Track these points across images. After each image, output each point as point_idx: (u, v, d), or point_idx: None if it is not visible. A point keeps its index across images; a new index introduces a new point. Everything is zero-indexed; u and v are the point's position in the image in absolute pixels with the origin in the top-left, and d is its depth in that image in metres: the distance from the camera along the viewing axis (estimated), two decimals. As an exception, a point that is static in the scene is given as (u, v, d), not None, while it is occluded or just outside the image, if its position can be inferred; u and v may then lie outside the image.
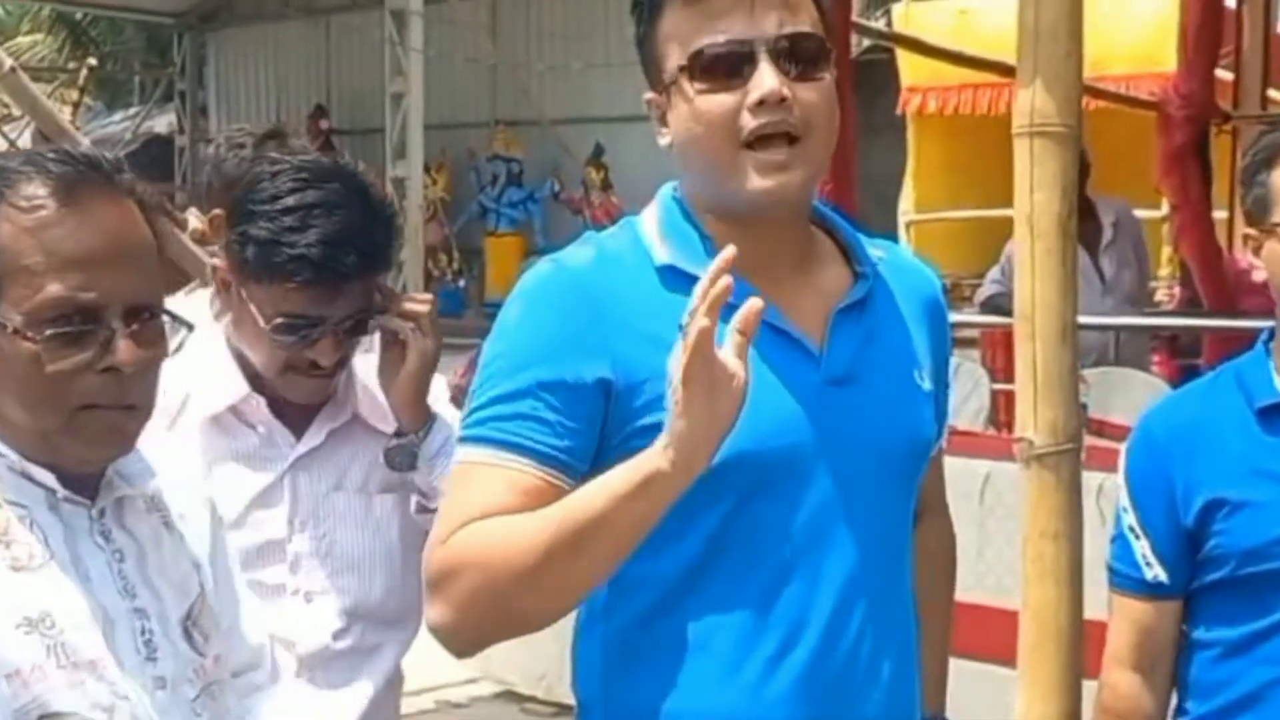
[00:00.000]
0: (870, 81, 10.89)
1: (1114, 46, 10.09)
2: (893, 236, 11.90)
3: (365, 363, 2.59)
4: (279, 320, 2.42)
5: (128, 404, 1.79)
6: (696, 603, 1.97)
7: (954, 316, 6.27)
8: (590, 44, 19.13)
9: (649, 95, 2.05)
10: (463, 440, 1.96)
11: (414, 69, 16.92)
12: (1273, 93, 7.75)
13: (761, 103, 1.91)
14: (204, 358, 2.52)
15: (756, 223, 1.99)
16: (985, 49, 7.16)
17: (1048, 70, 2.49)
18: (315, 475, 2.56)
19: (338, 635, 2.55)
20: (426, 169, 18.15)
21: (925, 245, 12.19)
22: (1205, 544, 2.44)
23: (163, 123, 24.44)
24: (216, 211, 3.09)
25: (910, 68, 11.43)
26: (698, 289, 1.72)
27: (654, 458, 1.76)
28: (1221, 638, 2.45)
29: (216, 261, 2.57)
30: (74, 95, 18.01)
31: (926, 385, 2.10)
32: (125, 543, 1.83)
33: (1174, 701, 2.56)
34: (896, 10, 12.33)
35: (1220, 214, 6.72)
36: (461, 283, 20.19)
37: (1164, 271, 9.75)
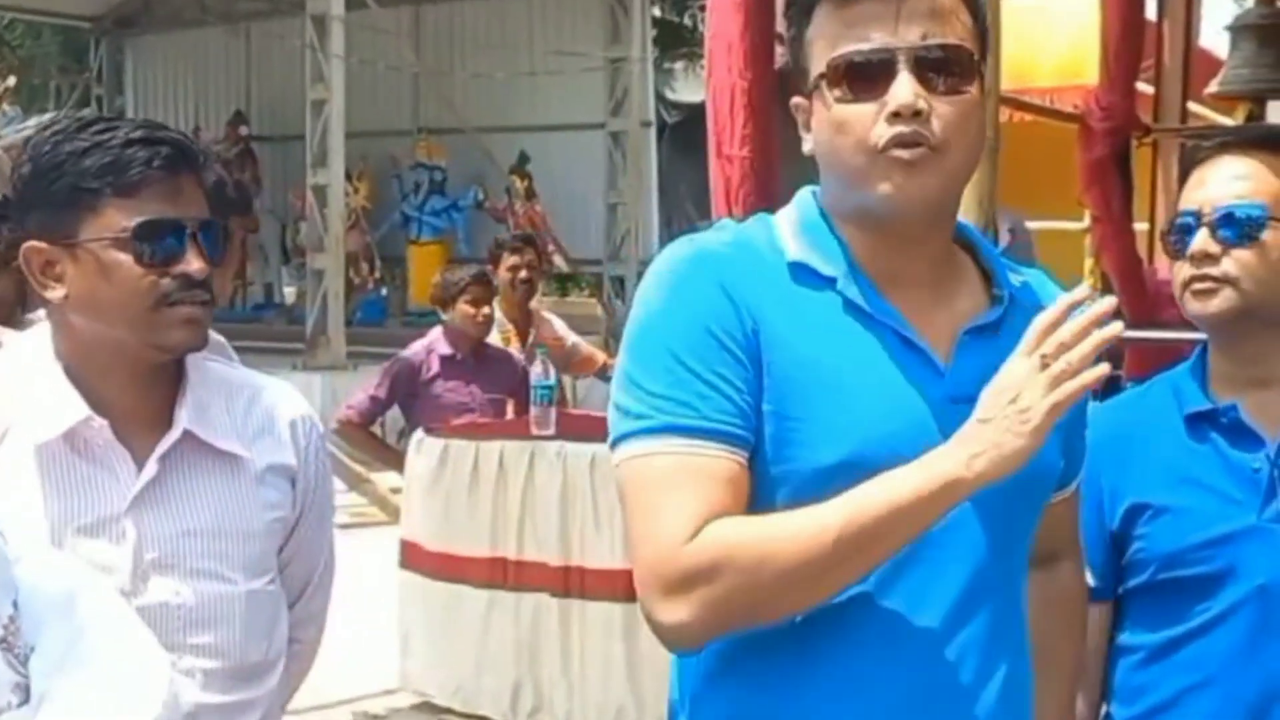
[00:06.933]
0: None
1: (1038, 59, 10.14)
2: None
3: (198, 369, 2.39)
4: (137, 230, 2.21)
5: None
6: (784, 627, 1.92)
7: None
8: (514, 53, 19.10)
9: (795, 100, 2.03)
10: (647, 430, 1.90)
11: (335, 76, 16.80)
12: (1193, 106, 7.80)
13: (897, 114, 1.89)
14: (29, 385, 2.29)
15: (892, 232, 1.97)
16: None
17: (966, 80, 2.48)
18: (163, 514, 2.30)
19: (196, 697, 2.28)
20: (348, 177, 18.03)
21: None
22: (1129, 548, 2.46)
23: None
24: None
25: (834, 78, 11.44)
26: (1050, 324, 1.79)
27: (955, 464, 1.79)
28: (1143, 643, 2.47)
29: (35, 244, 2.26)
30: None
31: None
32: None
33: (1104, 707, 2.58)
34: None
35: (1141, 226, 6.75)
36: (383, 291, 20.11)
37: (1085, 283, 9.80)
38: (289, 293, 21.39)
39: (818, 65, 1.95)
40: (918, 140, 1.89)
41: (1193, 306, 2.43)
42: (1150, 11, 7.11)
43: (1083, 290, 1.78)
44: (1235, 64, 7.35)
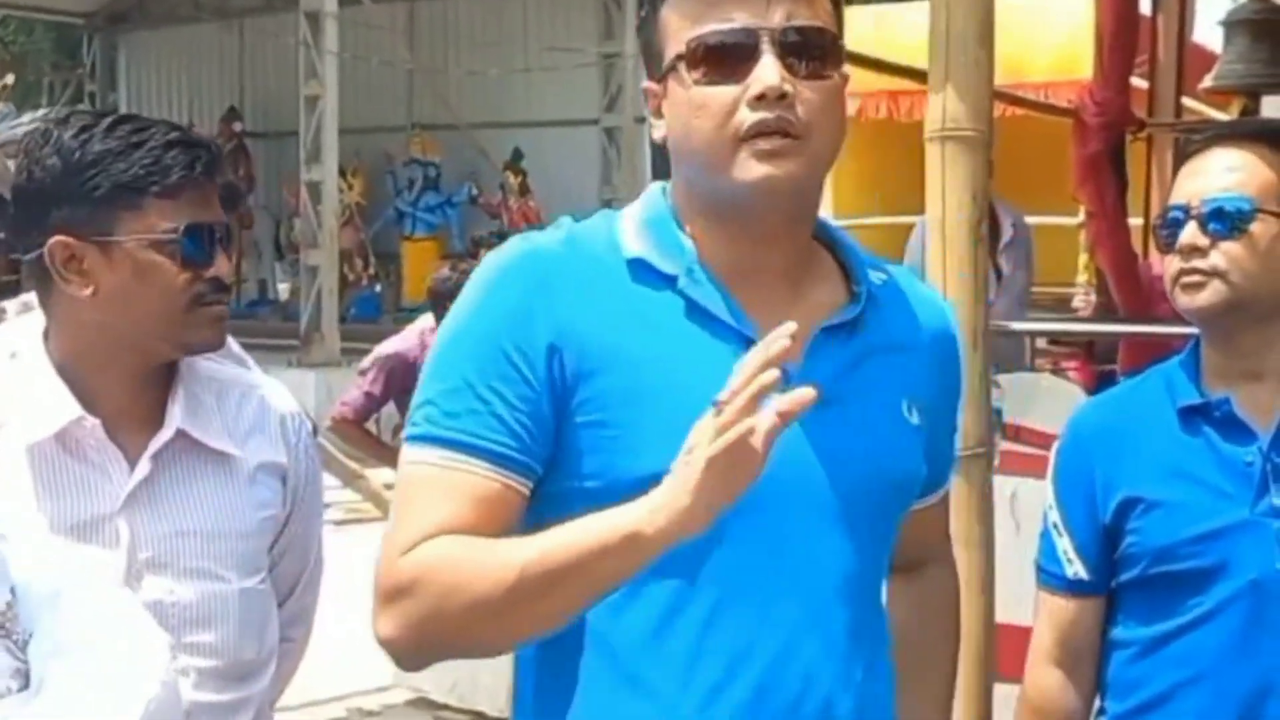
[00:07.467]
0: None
1: (1033, 54, 10.14)
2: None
3: (190, 368, 2.39)
4: (185, 232, 2.24)
5: None
6: (630, 631, 1.85)
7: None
8: (508, 49, 19.11)
9: (646, 84, 1.95)
10: (412, 439, 1.86)
11: (329, 72, 16.80)
12: (1187, 101, 7.80)
13: (761, 97, 1.80)
14: (20, 384, 2.29)
15: (748, 224, 1.88)
16: (903, 55, 7.17)
17: (958, 76, 2.49)
18: (156, 514, 2.29)
19: (190, 696, 2.24)
20: (342, 173, 18.04)
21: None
22: (1122, 542, 2.46)
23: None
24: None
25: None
26: (745, 366, 1.62)
27: (638, 518, 1.67)
28: (1137, 637, 2.47)
29: (62, 238, 2.25)
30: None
31: (915, 420, 1.98)
32: None
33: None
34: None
35: (1135, 221, 6.75)
36: (377, 287, 20.10)
37: (1080, 278, 9.81)
38: (283, 289, 21.37)
39: (675, 46, 1.86)
40: (782, 127, 1.81)
41: (1182, 300, 2.43)
42: (1145, 6, 7.12)
43: (788, 327, 1.62)
44: (1229, 59, 7.35)
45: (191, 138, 2.31)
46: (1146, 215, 6.77)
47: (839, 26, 1.91)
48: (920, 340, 2.02)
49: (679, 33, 1.86)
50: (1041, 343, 8.17)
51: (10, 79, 19.76)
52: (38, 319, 2.37)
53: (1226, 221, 2.40)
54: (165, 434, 2.32)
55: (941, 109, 2.50)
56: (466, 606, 1.75)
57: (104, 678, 1.86)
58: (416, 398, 1.87)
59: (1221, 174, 2.42)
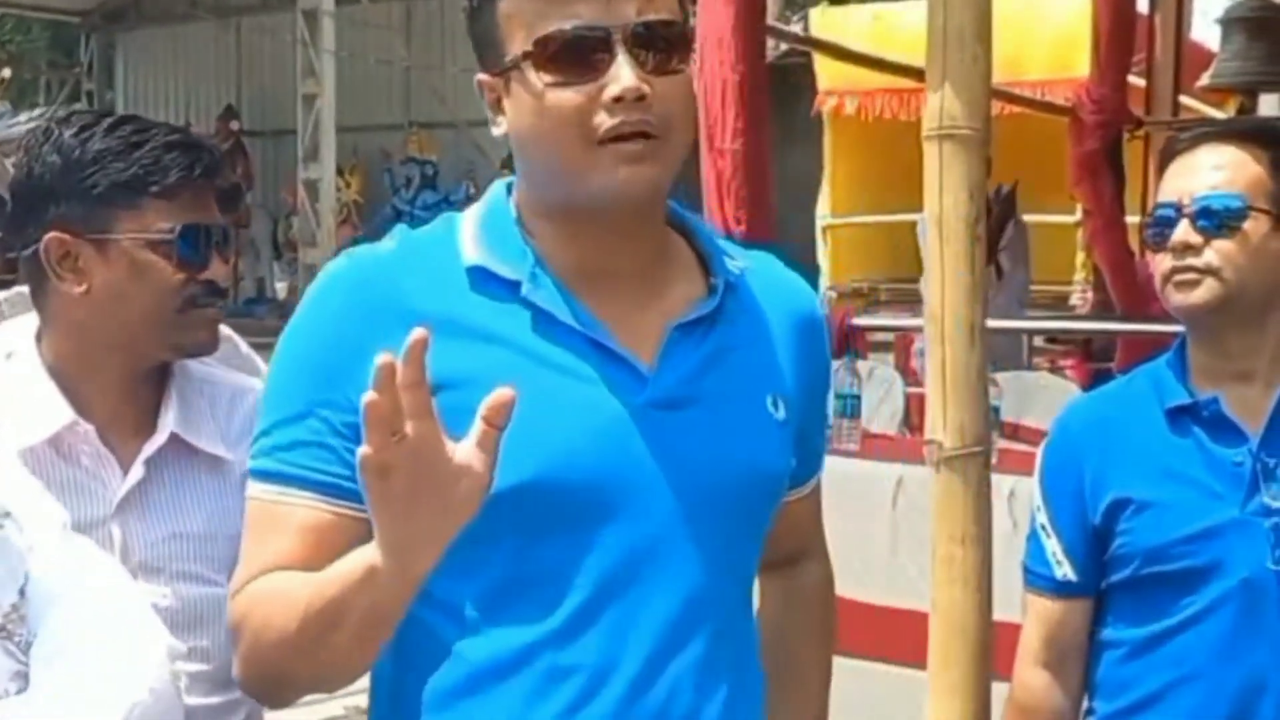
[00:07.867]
0: (788, 85, 10.91)
1: (1029, 51, 10.16)
2: (810, 241, 11.96)
3: (183, 372, 2.36)
4: (181, 234, 2.22)
5: None
6: (482, 650, 1.75)
7: (868, 320, 6.28)
8: (506, 47, 19.12)
9: (481, 77, 1.81)
10: (250, 473, 1.80)
11: (326, 70, 16.83)
12: (1184, 99, 7.81)
13: (619, 99, 1.69)
14: (14, 387, 2.26)
15: (600, 226, 1.78)
16: (901, 53, 7.18)
17: (956, 73, 2.48)
18: (149, 518, 2.28)
19: (184, 700, 2.17)
20: (340, 171, 18.07)
21: (843, 249, 12.25)
22: (1112, 543, 2.45)
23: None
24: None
25: (826, 71, 11.45)
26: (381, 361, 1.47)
27: (375, 549, 1.56)
28: (1127, 638, 2.46)
29: (58, 235, 2.22)
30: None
31: (780, 414, 1.87)
32: None
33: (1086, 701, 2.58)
34: (814, 14, 12.37)
35: (1133, 219, 6.77)
36: (376, 286, 20.13)
37: (1078, 276, 9.83)
38: (280, 288, 21.37)
39: (518, 42, 1.74)
40: (641, 129, 1.70)
41: (1175, 298, 2.42)
42: (1142, 4, 7.13)
43: (419, 332, 1.47)
44: (1226, 57, 7.38)
45: (192, 140, 2.30)
46: (1143, 213, 6.78)
47: (685, 14, 1.81)
48: (783, 329, 1.93)
49: (522, 28, 1.74)
50: (1039, 341, 8.19)
51: (7, 73, 19.75)
52: (34, 319, 2.37)
53: (1217, 219, 2.39)
54: (159, 438, 2.30)
55: (939, 107, 2.49)
56: (274, 644, 1.69)
57: (98, 680, 1.84)
58: (255, 428, 1.82)
59: (1210, 172, 2.42)
